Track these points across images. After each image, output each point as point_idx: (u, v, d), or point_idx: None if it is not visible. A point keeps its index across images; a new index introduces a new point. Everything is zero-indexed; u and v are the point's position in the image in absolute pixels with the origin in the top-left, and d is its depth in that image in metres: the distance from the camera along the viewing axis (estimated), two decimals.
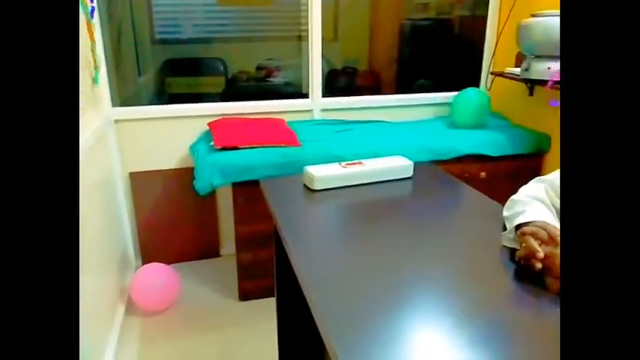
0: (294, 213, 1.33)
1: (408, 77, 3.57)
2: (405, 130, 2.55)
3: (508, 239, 1.02)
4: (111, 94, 2.38)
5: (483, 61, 2.84)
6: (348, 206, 1.34)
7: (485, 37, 2.82)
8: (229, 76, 3.95)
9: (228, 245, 2.66)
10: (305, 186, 1.44)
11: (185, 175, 2.46)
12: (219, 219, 2.68)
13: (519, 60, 2.48)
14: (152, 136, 2.48)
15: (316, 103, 2.66)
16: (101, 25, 2.26)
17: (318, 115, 2.66)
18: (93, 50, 2.00)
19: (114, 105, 2.41)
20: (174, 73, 3.88)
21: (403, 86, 3.32)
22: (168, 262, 2.34)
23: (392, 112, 2.77)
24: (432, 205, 1.35)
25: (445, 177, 1.56)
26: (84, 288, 1.59)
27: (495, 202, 1.31)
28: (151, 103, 3.56)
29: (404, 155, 1.54)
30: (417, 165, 1.52)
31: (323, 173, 1.41)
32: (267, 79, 3.90)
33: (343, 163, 1.47)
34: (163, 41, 3.93)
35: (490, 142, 2.37)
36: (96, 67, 2.06)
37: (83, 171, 1.80)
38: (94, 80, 2.10)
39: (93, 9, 2.02)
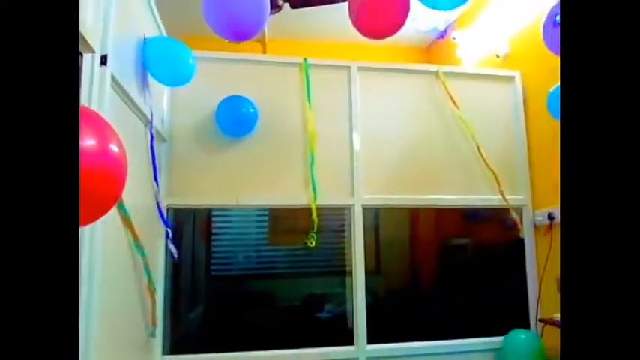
0: None
1: (455, 318, 3.48)
2: None
3: None
4: (162, 342, 2.48)
5: (529, 307, 2.82)
6: None
7: (527, 283, 2.86)
8: (277, 308, 4.07)
9: None
10: None
11: None
12: None
13: None
14: None
15: (361, 351, 2.63)
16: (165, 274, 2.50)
17: None
18: (153, 311, 2.17)
19: (164, 353, 2.47)
20: (225, 307, 4.02)
21: (450, 328, 3.24)
22: None
23: (443, 358, 2.67)
24: None
25: None
26: None
27: None
28: (200, 341, 3.60)
29: None
30: None
31: None
32: (312, 312, 3.96)
33: None
34: (217, 277, 4.20)
35: None
36: (154, 324, 2.20)
37: None
38: (151, 334, 2.22)
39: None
